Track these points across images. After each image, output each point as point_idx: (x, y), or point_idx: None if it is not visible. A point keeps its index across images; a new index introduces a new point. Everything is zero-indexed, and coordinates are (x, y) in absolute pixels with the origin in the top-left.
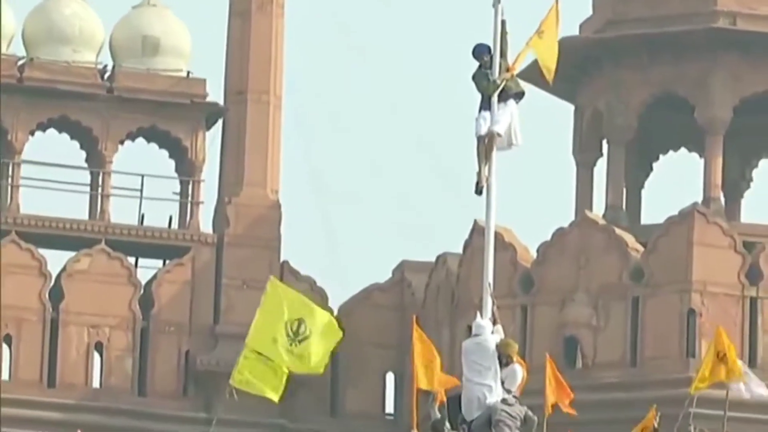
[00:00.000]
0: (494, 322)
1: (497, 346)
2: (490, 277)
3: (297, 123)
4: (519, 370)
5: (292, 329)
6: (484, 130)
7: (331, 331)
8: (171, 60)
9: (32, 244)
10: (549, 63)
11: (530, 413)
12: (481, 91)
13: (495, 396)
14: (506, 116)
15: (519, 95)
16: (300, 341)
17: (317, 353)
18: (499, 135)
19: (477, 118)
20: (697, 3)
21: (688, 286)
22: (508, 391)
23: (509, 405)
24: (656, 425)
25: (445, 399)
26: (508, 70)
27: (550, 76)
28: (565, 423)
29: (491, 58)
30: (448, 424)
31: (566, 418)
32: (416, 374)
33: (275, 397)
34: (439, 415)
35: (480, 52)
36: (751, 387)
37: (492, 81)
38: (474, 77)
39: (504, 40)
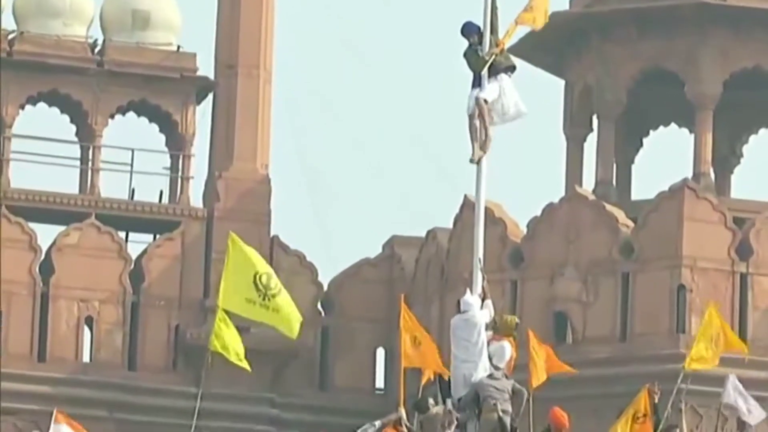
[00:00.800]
0: (484, 298)
1: (498, 320)
2: (480, 252)
3: (286, 99)
4: (507, 347)
5: (261, 282)
6: (474, 109)
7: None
8: (161, 34)
9: (22, 218)
10: (541, 18)
11: (518, 386)
12: (472, 69)
13: (481, 372)
14: (495, 87)
15: (510, 68)
16: (273, 296)
17: (290, 311)
18: (485, 101)
19: (469, 96)
20: None
21: (678, 262)
22: (497, 368)
23: (495, 380)
24: (657, 400)
25: (432, 376)
26: (497, 45)
27: (542, 21)
28: (555, 398)
29: (481, 35)
30: (431, 400)
31: (556, 393)
32: (403, 353)
33: (237, 361)
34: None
35: (468, 31)
36: (751, 410)
37: (481, 57)
38: (465, 55)
39: (494, 16)
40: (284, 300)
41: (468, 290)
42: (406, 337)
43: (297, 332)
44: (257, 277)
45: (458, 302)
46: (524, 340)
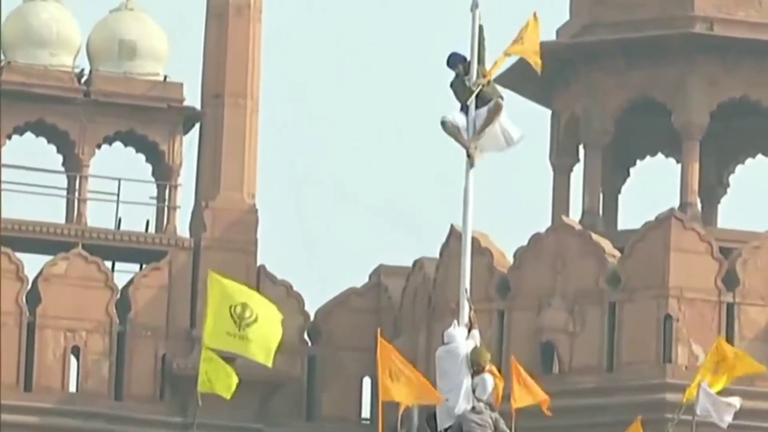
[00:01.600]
0: (470, 328)
1: (470, 354)
2: (467, 282)
3: (274, 128)
4: (489, 380)
5: (236, 313)
6: (449, 118)
7: (274, 317)
8: (148, 64)
9: (9, 247)
10: (534, 58)
11: (501, 422)
12: (459, 99)
13: (463, 404)
14: (483, 113)
15: (498, 104)
16: (247, 325)
17: (265, 340)
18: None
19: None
20: (675, 8)
21: (664, 292)
22: (479, 400)
23: (478, 413)
24: None
25: (408, 406)
26: (484, 76)
27: (538, 67)
28: (542, 429)
29: (467, 65)
30: None
31: (541, 423)
32: (381, 386)
33: (227, 395)
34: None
35: (454, 62)
36: (721, 414)
37: (468, 87)
38: (452, 85)
39: (482, 47)
40: (260, 328)
41: (455, 321)
42: (385, 370)
43: (272, 360)
44: (232, 309)
45: (443, 334)
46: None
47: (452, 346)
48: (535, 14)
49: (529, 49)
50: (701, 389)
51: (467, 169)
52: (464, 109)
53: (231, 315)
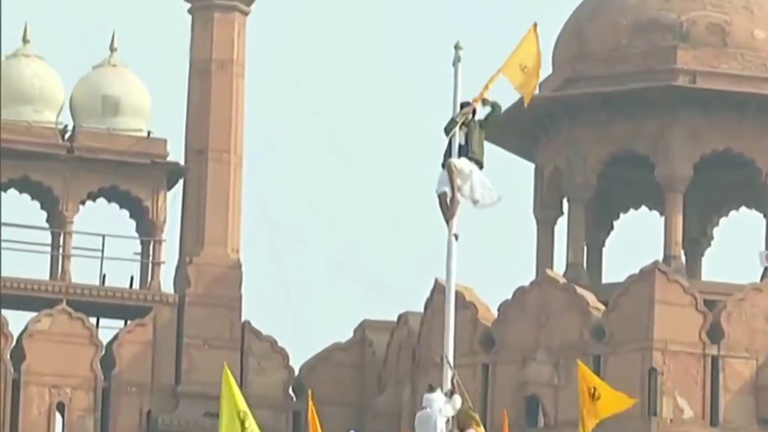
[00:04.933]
0: (452, 393)
1: (457, 415)
2: (450, 348)
3: (257, 184)
4: None
5: (240, 419)
6: (441, 189)
7: None
8: (131, 120)
9: None
10: (528, 89)
11: None
12: (445, 131)
13: None
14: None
15: (479, 163)
16: None
17: None
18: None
19: (440, 177)
20: (657, 61)
21: (649, 345)
22: None
23: None
24: None
25: None
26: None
27: (527, 99)
28: None
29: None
30: None
31: None
32: None
33: None
34: None
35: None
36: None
37: (452, 118)
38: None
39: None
40: None
41: (436, 385)
42: None
43: None
44: (239, 413)
45: (431, 386)
46: (497, 423)
47: (427, 411)
48: (535, 25)
49: (524, 80)
50: None
51: (450, 222)
52: (447, 150)
53: (240, 418)
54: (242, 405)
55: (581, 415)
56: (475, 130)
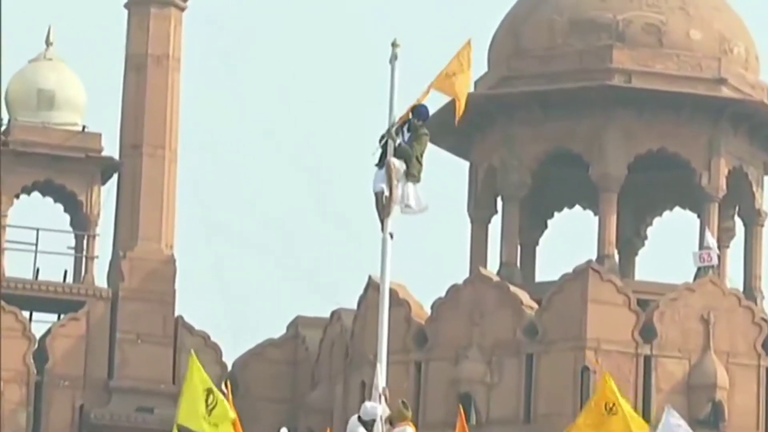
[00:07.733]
0: (391, 423)
1: (391, 416)
2: (383, 351)
3: (192, 179)
4: (409, 431)
5: (206, 399)
6: (379, 188)
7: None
8: (66, 114)
9: None
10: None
11: None
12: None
13: None
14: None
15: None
16: (211, 410)
17: (225, 424)
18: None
19: (376, 175)
20: (593, 60)
21: (582, 344)
22: None
23: None
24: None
25: None
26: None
27: (459, 114)
28: None
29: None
30: None
31: None
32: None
33: None
34: None
35: (418, 114)
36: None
37: (387, 131)
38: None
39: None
40: (221, 411)
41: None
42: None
43: None
44: (204, 390)
45: (363, 382)
46: (428, 422)
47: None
48: (468, 41)
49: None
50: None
51: (385, 220)
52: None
53: (205, 400)
54: (208, 383)
55: (577, 421)
56: (414, 146)
